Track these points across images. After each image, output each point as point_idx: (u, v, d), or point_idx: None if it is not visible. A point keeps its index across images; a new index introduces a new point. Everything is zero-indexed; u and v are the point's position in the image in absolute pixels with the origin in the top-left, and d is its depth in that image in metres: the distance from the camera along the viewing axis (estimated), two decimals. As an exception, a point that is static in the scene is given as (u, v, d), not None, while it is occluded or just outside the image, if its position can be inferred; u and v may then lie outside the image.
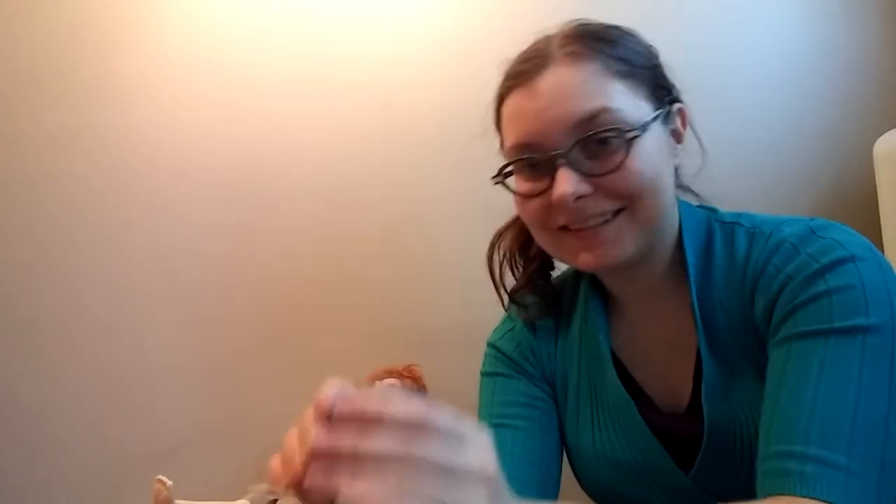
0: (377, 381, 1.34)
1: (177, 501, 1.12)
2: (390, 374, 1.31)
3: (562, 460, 0.80)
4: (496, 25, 1.43)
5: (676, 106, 0.72)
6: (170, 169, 1.43)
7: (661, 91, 0.71)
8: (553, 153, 0.66)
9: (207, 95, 1.43)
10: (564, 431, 0.80)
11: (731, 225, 0.73)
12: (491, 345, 0.84)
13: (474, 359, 0.84)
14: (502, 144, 0.74)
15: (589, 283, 0.80)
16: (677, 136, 0.72)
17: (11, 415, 1.38)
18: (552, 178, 0.66)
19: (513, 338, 0.83)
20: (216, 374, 1.41)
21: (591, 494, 0.81)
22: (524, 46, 0.72)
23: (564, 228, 0.68)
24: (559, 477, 0.78)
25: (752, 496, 0.63)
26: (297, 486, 0.40)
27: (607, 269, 0.70)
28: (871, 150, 1.28)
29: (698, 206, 0.76)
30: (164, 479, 1.11)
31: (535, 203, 0.69)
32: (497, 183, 0.72)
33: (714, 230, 0.73)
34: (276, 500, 1.20)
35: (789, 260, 0.65)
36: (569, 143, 0.65)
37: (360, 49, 1.45)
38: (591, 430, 0.77)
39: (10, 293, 1.39)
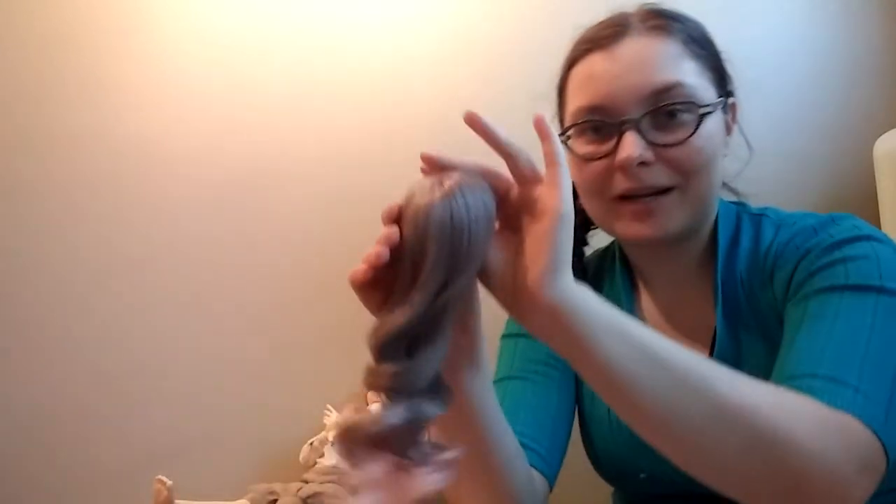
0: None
1: (177, 501, 1.12)
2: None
3: (572, 424, 0.81)
4: (496, 30, 1.43)
5: (731, 99, 0.75)
6: (172, 171, 1.43)
7: (724, 80, 0.75)
8: (624, 118, 0.68)
9: (208, 98, 1.43)
10: (582, 400, 0.82)
11: (758, 216, 0.77)
12: None
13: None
14: (562, 108, 0.76)
15: (620, 261, 0.82)
16: (728, 128, 0.75)
17: (11, 415, 1.38)
18: (617, 142, 0.68)
19: None
20: (217, 375, 1.41)
21: (599, 465, 0.83)
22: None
23: (618, 199, 0.69)
24: (567, 440, 0.79)
25: None
26: (360, 284, 0.48)
27: (652, 243, 0.71)
28: (871, 150, 1.28)
29: (729, 202, 0.80)
30: (164, 479, 1.11)
31: (594, 166, 0.70)
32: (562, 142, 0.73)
33: (743, 220, 0.77)
34: (276, 500, 1.20)
35: (809, 238, 0.69)
36: (640, 112, 0.68)
37: (360, 53, 1.45)
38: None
39: (10, 293, 1.39)
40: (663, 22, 0.71)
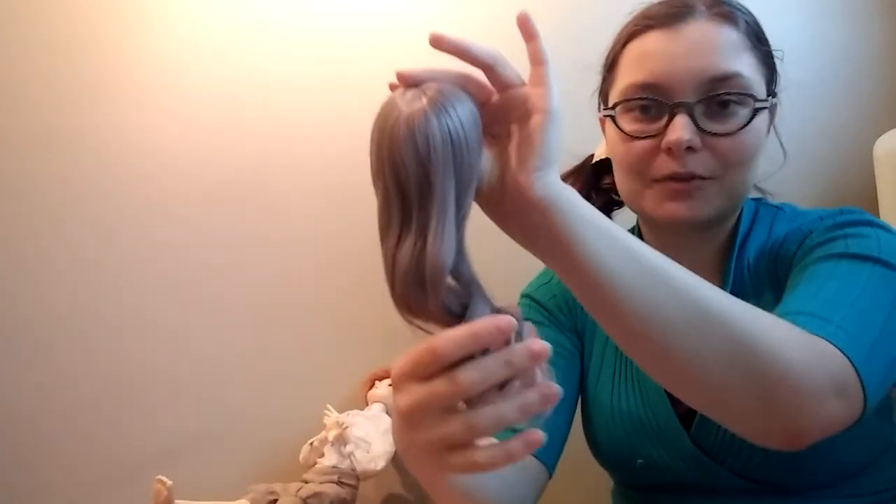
0: (379, 382, 1.35)
1: (177, 501, 1.12)
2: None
3: (573, 415, 0.81)
4: (496, 28, 1.43)
5: (775, 99, 0.76)
6: (172, 168, 1.43)
7: (773, 79, 0.76)
8: (678, 101, 0.67)
9: (209, 94, 1.43)
10: (585, 385, 0.83)
11: (774, 209, 0.79)
12: (526, 295, 0.87)
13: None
14: (610, 83, 0.75)
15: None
16: (769, 129, 0.76)
17: (11, 415, 1.38)
18: (667, 124, 0.68)
19: (548, 290, 0.86)
20: (217, 375, 1.41)
21: (598, 452, 0.83)
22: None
23: (657, 180, 0.69)
24: (568, 430, 0.79)
25: (751, 462, 0.68)
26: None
27: (684, 225, 0.71)
28: (871, 150, 1.28)
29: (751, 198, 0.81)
30: (164, 479, 1.11)
31: (640, 145, 0.70)
32: (606, 116, 0.73)
33: (760, 213, 0.78)
34: (276, 500, 1.20)
35: (814, 223, 0.71)
36: (695, 97, 0.67)
37: (362, 49, 1.45)
38: (611, 385, 0.80)
39: (10, 293, 1.39)
40: (729, 11, 0.70)
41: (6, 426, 1.38)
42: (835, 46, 1.44)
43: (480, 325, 0.40)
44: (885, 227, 0.67)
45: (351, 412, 1.29)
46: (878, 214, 1.26)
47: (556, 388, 0.42)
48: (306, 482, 1.22)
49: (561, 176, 0.48)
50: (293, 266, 1.43)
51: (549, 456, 0.74)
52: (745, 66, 0.69)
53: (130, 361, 1.40)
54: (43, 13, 1.41)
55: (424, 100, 0.45)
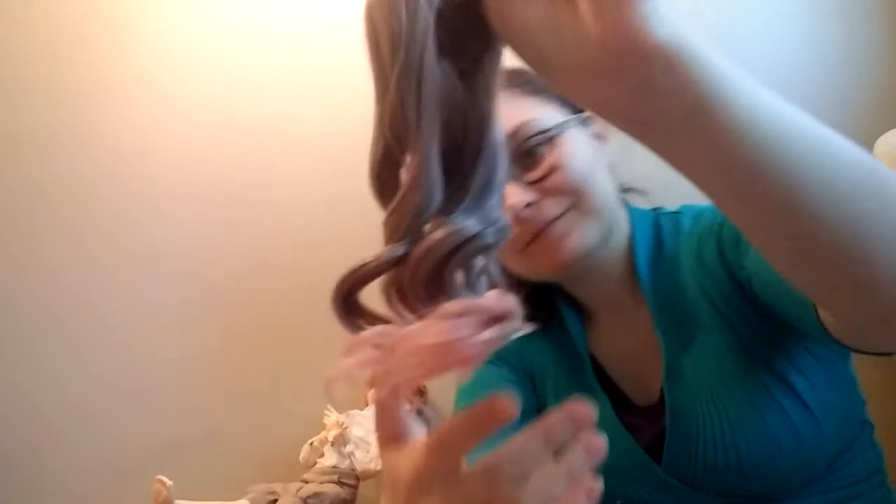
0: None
1: (177, 501, 1.12)
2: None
3: None
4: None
5: (580, 114, 0.75)
6: (171, 167, 1.43)
7: (569, 101, 0.74)
8: None
9: (207, 94, 1.43)
10: None
11: (675, 214, 0.78)
12: None
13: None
14: None
15: (561, 293, 0.81)
16: (600, 138, 0.76)
17: (11, 415, 1.38)
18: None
19: None
20: (217, 375, 1.41)
21: None
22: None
23: (527, 246, 0.69)
24: None
25: (728, 479, 0.67)
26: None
27: (566, 269, 0.71)
28: (871, 150, 1.28)
29: (647, 209, 0.80)
30: (164, 479, 1.11)
31: None
32: None
33: (661, 223, 0.77)
34: (276, 500, 1.20)
35: (713, 219, 0.71)
36: None
37: (360, 47, 1.45)
38: None
39: (9, 293, 1.39)
40: None
41: (6, 426, 1.38)
42: (835, 46, 1.44)
43: (477, 410, 0.37)
44: None
45: (351, 412, 1.29)
46: (878, 214, 1.26)
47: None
48: (306, 482, 1.22)
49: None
50: (297, 268, 1.43)
51: None
52: (526, 110, 0.70)
53: (130, 361, 1.40)
54: (42, 12, 1.41)
55: None
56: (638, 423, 0.74)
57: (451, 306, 0.35)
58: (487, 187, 0.37)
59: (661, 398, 0.72)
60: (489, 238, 0.36)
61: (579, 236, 0.69)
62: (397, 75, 0.34)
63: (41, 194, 1.41)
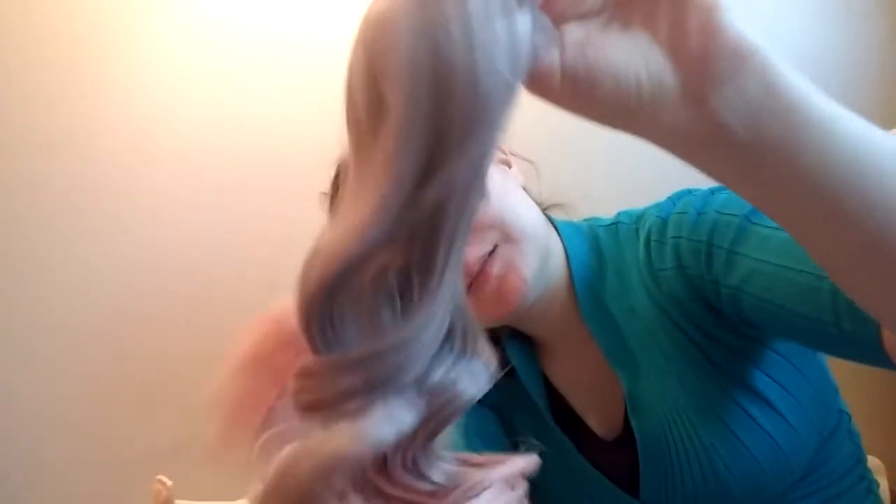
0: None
1: (177, 501, 1.11)
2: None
3: None
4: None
5: None
6: (169, 168, 1.43)
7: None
8: None
9: (205, 92, 1.43)
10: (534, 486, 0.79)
11: (613, 226, 0.74)
12: None
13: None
14: None
15: (510, 336, 0.77)
16: (505, 164, 0.73)
17: (10, 415, 1.38)
18: None
19: None
20: (217, 374, 1.41)
21: None
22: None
23: (469, 289, 0.65)
24: None
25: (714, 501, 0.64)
26: None
27: (518, 310, 0.67)
28: (872, 150, 1.28)
29: (580, 221, 0.76)
30: (164, 479, 1.11)
31: None
32: None
33: (599, 237, 0.73)
34: (276, 501, 1.20)
35: (662, 229, 0.67)
36: None
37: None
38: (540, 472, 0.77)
39: (8, 293, 1.39)
40: None
41: (5, 426, 1.38)
42: (835, 46, 1.44)
43: None
44: (690, 190, 0.67)
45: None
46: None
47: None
48: (306, 482, 1.22)
49: None
50: (294, 266, 1.43)
51: None
52: None
53: (130, 360, 1.40)
54: (39, 11, 1.41)
55: None
56: (609, 459, 0.71)
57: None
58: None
59: (629, 428, 0.69)
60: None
61: (520, 266, 0.66)
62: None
63: (36, 194, 1.40)
